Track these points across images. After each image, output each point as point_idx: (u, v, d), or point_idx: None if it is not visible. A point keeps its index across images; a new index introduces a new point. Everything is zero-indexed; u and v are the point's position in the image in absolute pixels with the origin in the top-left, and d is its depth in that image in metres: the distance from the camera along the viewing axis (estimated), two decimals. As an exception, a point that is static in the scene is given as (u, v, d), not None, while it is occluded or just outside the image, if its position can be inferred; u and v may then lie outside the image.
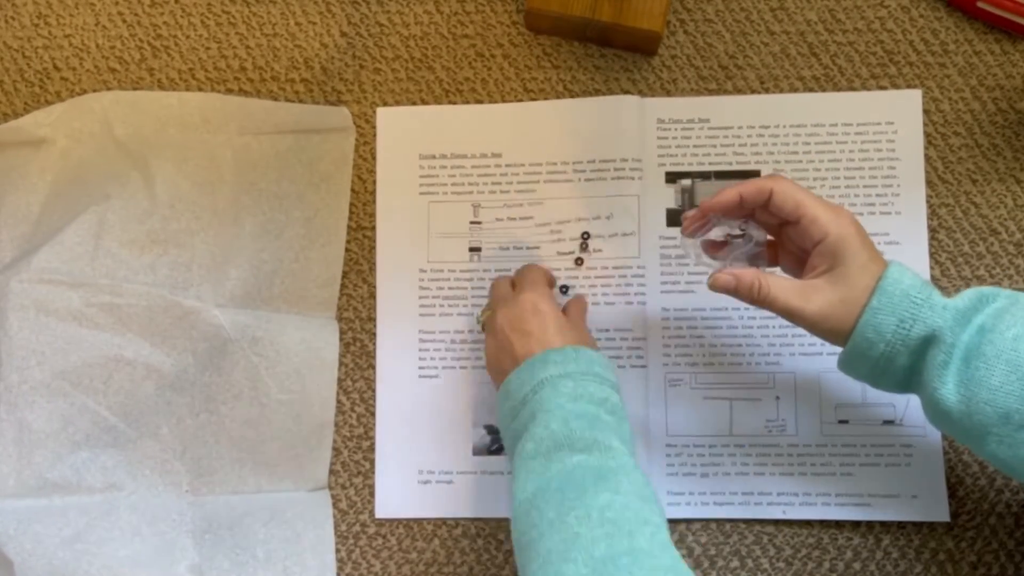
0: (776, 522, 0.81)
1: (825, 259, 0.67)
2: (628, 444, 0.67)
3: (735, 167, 0.84)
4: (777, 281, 0.68)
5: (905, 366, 0.66)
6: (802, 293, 0.67)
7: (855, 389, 0.81)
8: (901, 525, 0.80)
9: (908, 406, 0.81)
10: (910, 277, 0.66)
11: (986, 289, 0.66)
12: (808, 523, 0.81)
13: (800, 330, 0.80)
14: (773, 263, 0.73)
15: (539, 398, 0.68)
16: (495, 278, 0.82)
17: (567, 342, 0.71)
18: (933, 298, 0.65)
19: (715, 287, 0.69)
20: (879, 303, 0.65)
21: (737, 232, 0.71)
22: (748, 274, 0.68)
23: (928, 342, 0.65)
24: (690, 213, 0.71)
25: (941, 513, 0.80)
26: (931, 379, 0.64)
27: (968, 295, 0.65)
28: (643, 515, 0.61)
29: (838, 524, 0.81)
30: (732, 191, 0.69)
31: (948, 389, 0.63)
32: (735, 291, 0.68)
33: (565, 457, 0.64)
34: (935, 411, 0.65)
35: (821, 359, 0.81)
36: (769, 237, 0.72)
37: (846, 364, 0.69)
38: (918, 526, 0.80)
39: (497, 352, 0.74)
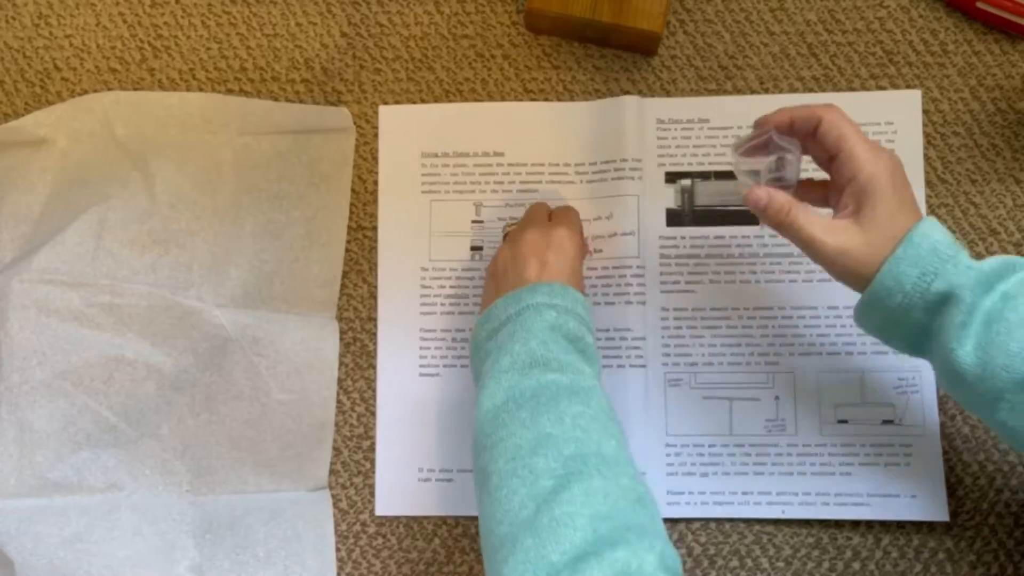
0: (776, 522, 0.81)
1: (854, 199, 0.67)
2: (596, 371, 0.70)
3: (735, 167, 0.84)
4: (807, 212, 0.67)
5: (920, 322, 0.65)
6: (827, 228, 0.66)
7: (854, 389, 0.81)
8: (901, 525, 0.80)
9: (907, 406, 0.81)
10: (941, 233, 0.65)
11: (1014, 258, 0.65)
12: (807, 523, 0.81)
13: (800, 329, 0.82)
14: (823, 203, 0.72)
15: (521, 320, 0.70)
16: (535, 203, 0.83)
17: (570, 285, 0.73)
18: (959, 257, 0.64)
19: (747, 200, 0.69)
20: (904, 253, 0.64)
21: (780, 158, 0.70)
22: (781, 196, 0.68)
23: (946, 299, 0.64)
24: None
25: (941, 513, 0.80)
26: (949, 339, 0.64)
27: (995, 261, 0.65)
28: (610, 430, 0.65)
29: (837, 524, 0.81)
30: (786, 112, 0.69)
31: (966, 351, 0.63)
32: (765, 209, 0.68)
33: (540, 374, 0.66)
34: (949, 373, 0.65)
35: (820, 359, 0.82)
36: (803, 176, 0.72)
37: (862, 312, 0.68)
38: (918, 526, 0.80)
39: (509, 264, 0.76)
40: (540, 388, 0.66)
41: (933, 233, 0.65)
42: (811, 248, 0.67)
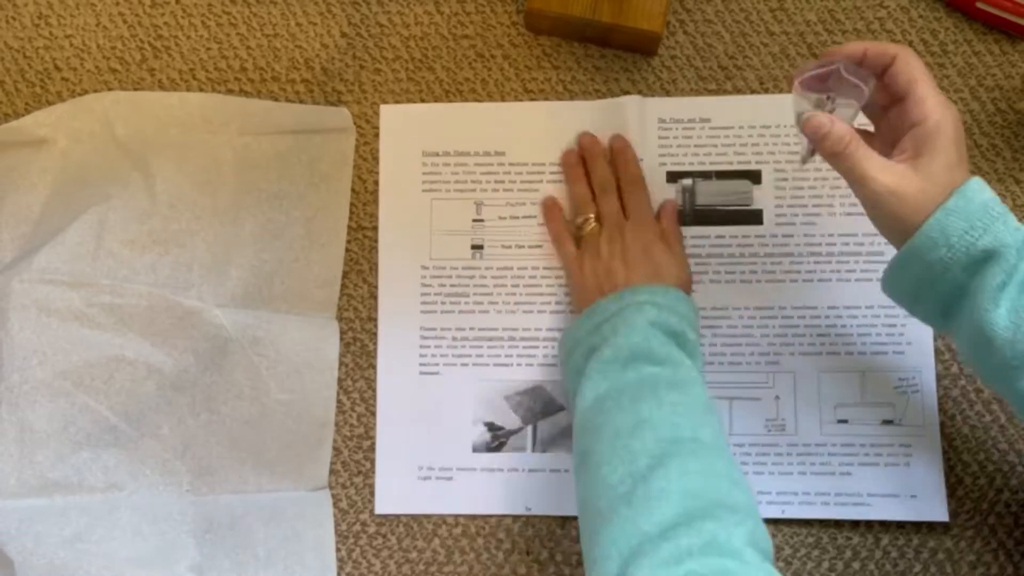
0: (775, 521, 0.81)
1: (915, 144, 0.64)
2: (698, 366, 0.72)
3: (736, 167, 0.84)
4: (865, 148, 0.65)
5: (956, 281, 0.63)
6: (884, 167, 0.64)
7: (854, 389, 0.81)
8: (900, 525, 0.80)
9: (907, 406, 0.81)
10: (991, 192, 0.64)
11: None
12: (807, 522, 0.81)
13: (800, 330, 0.82)
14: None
15: (623, 315, 0.72)
16: (600, 187, 0.83)
17: (668, 283, 0.76)
18: (1008, 217, 0.63)
19: (807, 126, 0.67)
20: (955, 205, 0.62)
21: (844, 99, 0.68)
22: (843, 126, 0.65)
23: (989, 257, 0.62)
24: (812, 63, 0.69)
25: (940, 513, 0.80)
26: (984, 300, 0.62)
27: None
28: (707, 419, 0.67)
29: (837, 524, 0.81)
30: (859, 44, 0.67)
31: (1000, 313, 0.61)
32: (824, 137, 0.66)
33: (642, 366, 0.69)
34: (978, 337, 0.63)
35: (820, 359, 0.82)
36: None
37: (898, 268, 0.66)
38: (917, 526, 0.80)
39: (596, 273, 0.79)
40: (641, 379, 0.68)
41: (985, 191, 0.63)
42: (863, 184, 0.65)
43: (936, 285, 0.64)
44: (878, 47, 0.67)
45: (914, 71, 0.65)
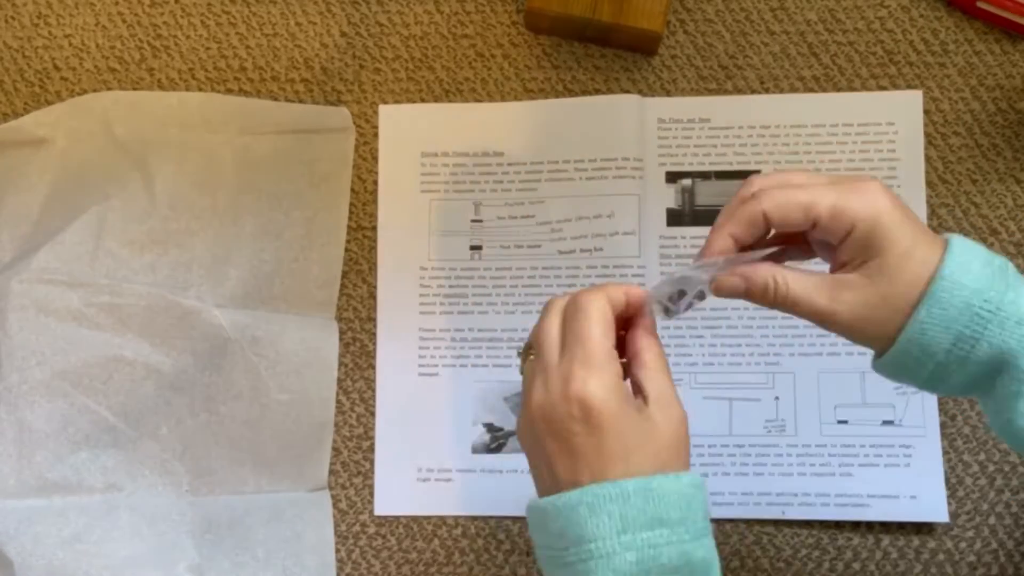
0: (776, 522, 0.81)
1: (856, 252, 0.53)
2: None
3: (735, 167, 0.84)
4: (798, 277, 0.54)
5: (964, 382, 0.53)
6: (830, 291, 0.53)
7: (855, 389, 0.81)
8: (901, 526, 0.80)
9: (908, 407, 0.80)
10: (975, 274, 0.51)
11: None
12: (808, 523, 0.81)
13: (800, 330, 0.81)
14: (807, 254, 0.59)
15: (587, 570, 0.51)
16: (549, 301, 0.60)
17: (632, 468, 0.53)
18: (1004, 308, 0.51)
19: (720, 291, 0.56)
20: (929, 316, 0.51)
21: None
22: (761, 271, 0.54)
23: (994, 361, 0.51)
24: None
25: (940, 513, 0.79)
26: (1005, 410, 0.52)
27: None
28: None
29: (838, 524, 0.81)
30: (723, 238, 0.55)
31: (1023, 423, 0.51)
32: (745, 294, 0.55)
33: None
34: (1011, 435, 0.53)
35: (821, 359, 0.81)
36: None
37: (882, 372, 0.56)
38: (918, 527, 0.80)
39: (531, 447, 0.56)
40: None
41: (963, 277, 0.51)
42: (819, 320, 0.55)
43: (942, 385, 0.54)
44: (741, 224, 0.55)
45: (796, 201, 0.53)
